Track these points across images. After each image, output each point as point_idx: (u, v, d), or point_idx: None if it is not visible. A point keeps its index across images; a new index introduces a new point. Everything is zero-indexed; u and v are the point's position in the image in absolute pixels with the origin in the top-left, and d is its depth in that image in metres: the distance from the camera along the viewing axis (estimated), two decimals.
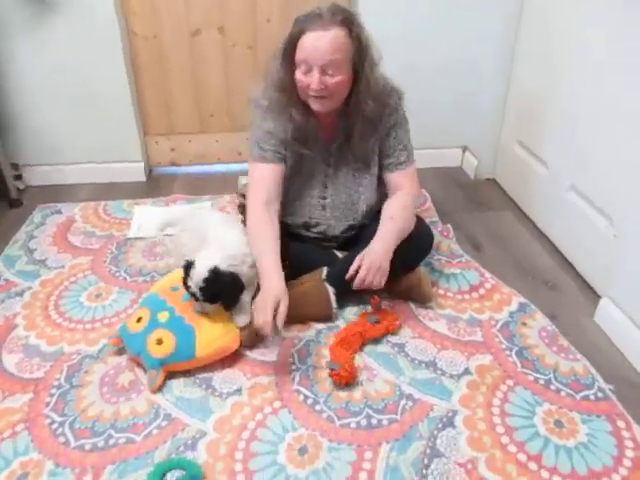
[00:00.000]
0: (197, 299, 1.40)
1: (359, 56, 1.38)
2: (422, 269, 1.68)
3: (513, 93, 2.28)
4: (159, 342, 1.36)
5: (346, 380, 1.35)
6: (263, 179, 1.52)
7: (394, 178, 1.59)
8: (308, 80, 1.38)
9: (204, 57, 2.39)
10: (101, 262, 1.89)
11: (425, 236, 1.66)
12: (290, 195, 1.62)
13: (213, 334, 1.40)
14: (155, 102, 2.47)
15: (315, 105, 1.44)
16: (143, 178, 2.52)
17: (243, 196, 1.82)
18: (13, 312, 1.64)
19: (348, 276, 1.45)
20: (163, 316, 1.42)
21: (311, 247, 1.68)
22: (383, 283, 1.46)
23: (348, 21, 1.35)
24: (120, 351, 1.46)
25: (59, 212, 2.23)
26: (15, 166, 2.39)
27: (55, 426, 1.26)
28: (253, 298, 1.41)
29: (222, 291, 1.39)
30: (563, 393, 1.35)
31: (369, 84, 1.43)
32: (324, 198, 1.62)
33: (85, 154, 2.45)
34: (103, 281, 1.78)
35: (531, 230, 2.10)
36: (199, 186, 2.46)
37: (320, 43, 1.33)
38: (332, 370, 1.36)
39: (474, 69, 2.38)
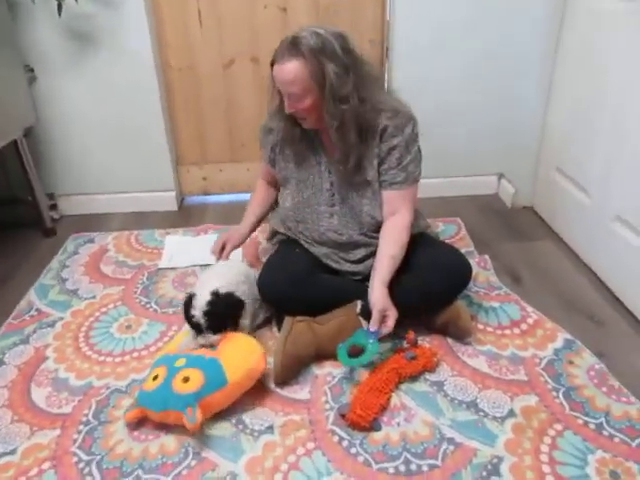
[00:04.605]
0: (201, 330, 1.42)
1: (318, 83, 1.39)
2: (460, 302, 1.61)
3: (552, 117, 2.22)
4: (186, 380, 1.29)
5: (358, 423, 1.28)
6: (262, 170, 1.79)
7: (387, 196, 1.55)
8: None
9: (237, 87, 2.41)
10: (132, 293, 1.87)
11: (463, 268, 1.59)
12: (300, 203, 1.64)
13: (238, 358, 1.37)
14: (188, 132, 2.50)
15: (301, 123, 1.51)
16: (175, 207, 2.53)
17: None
18: (44, 343, 1.63)
19: (375, 328, 1.40)
20: (180, 362, 1.35)
21: (344, 280, 1.64)
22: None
23: (306, 49, 1.35)
24: (140, 421, 1.33)
25: (92, 241, 2.24)
26: (51, 196, 2.43)
27: (82, 465, 1.23)
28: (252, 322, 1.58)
29: (226, 311, 1.44)
30: (617, 439, 1.25)
31: (331, 108, 1.41)
32: (332, 206, 1.61)
33: (119, 184, 2.48)
34: (133, 312, 1.77)
35: (573, 261, 2.01)
36: (230, 215, 2.45)
37: (281, 76, 1.40)
38: (343, 416, 1.31)
39: (511, 95, 2.34)
